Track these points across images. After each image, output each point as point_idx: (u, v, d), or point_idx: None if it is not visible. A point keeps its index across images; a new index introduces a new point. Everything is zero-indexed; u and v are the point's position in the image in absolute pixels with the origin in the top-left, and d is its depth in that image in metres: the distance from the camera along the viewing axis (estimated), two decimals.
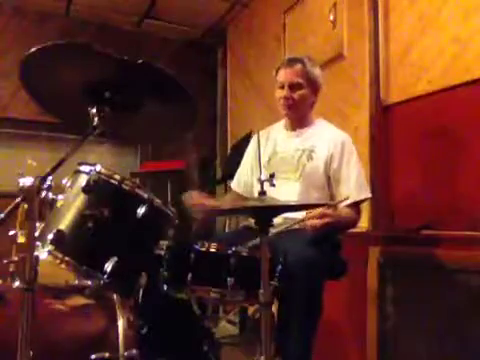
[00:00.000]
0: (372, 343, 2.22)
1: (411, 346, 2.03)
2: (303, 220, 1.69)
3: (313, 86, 1.96)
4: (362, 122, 2.48)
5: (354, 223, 1.91)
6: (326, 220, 1.65)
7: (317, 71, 1.97)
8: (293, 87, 1.92)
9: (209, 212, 1.99)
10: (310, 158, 1.93)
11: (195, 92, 1.35)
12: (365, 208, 2.12)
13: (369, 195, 1.91)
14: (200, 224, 2.01)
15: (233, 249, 1.43)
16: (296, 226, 1.72)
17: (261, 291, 1.25)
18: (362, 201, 1.91)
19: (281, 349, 1.62)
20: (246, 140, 3.07)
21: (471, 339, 1.78)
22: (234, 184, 2.22)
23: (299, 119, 2.02)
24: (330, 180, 1.91)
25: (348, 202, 1.83)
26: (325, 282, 1.68)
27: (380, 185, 2.39)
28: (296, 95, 1.93)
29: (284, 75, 1.95)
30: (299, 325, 1.59)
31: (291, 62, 1.94)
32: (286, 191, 1.81)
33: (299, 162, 1.94)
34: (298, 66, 1.92)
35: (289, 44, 3.20)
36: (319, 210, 1.67)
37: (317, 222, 1.65)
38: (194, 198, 1.92)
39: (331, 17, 2.73)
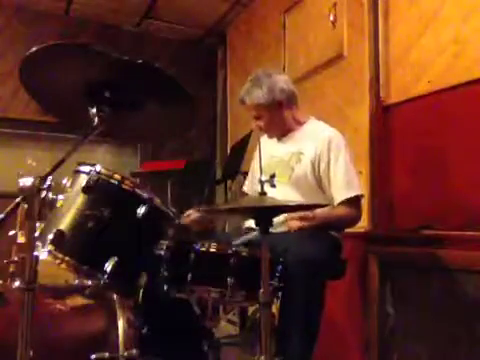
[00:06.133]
0: (372, 343, 2.22)
1: (411, 346, 2.03)
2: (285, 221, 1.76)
3: (274, 104, 1.91)
4: (362, 122, 2.48)
5: (353, 220, 1.89)
6: (305, 223, 1.73)
7: (267, 91, 1.88)
8: (257, 118, 1.96)
9: (210, 212, 1.99)
10: (298, 160, 1.92)
11: (195, 92, 1.35)
12: (365, 208, 2.11)
13: (358, 192, 1.87)
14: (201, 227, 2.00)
15: (233, 249, 1.43)
16: (280, 229, 1.76)
17: (261, 291, 1.25)
18: (354, 198, 1.86)
19: (282, 349, 1.62)
20: (246, 140, 3.07)
21: (471, 339, 1.78)
22: (247, 188, 2.26)
23: (282, 131, 2.02)
24: (322, 181, 1.90)
25: (338, 201, 1.84)
26: (326, 282, 1.68)
27: (380, 185, 2.39)
28: (262, 123, 1.96)
29: (247, 111, 1.99)
30: (301, 325, 1.59)
31: (241, 102, 1.96)
32: (278, 193, 1.80)
33: (288, 165, 1.94)
34: (246, 103, 1.94)
35: (289, 44, 3.20)
36: (299, 213, 1.73)
37: (296, 224, 1.73)
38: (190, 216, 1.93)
39: (331, 17, 2.73)
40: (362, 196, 1.92)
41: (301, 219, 1.73)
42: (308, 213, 1.74)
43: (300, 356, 1.61)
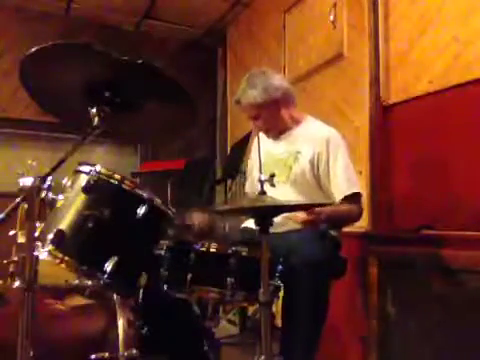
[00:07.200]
0: (372, 343, 2.22)
1: (411, 346, 2.03)
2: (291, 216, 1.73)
3: (271, 104, 1.89)
4: (362, 122, 2.48)
5: (355, 216, 1.89)
6: (314, 217, 1.68)
7: (263, 90, 1.86)
8: (255, 118, 1.94)
9: (210, 213, 1.99)
10: (296, 160, 1.92)
11: (195, 92, 1.35)
12: (365, 208, 2.11)
13: (357, 189, 1.87)
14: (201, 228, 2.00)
15: (233, 249, 1.43)
16: (285, 227, 1.74)
17: (261, 291, 1.25)
18: (354, 195, 1.86)
19: (285, 350, 1.62)
20: (246, 140, 3.07)
21: (471, 339, 1.78)
22: (248, 188, 2.24)
23: (279, 130, 2.01)
24: (322, 180, 1.90)
25: (339, 199, 1.84)
26: (330, 282, 1.69)
27: (380, 185, 2.39)
28: (261, 122, 1.95)
29: (243, 112, 1.98)
30: (305, 326, 1.60)
31: (237, 103, 1.94)
32: (277, 193, 1.80)
33: (286, 164, 1.94)
34: (242, 104, 1.92)
35: (289, 44, 3.20)
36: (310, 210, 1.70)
37: (304, 217, 1.68)
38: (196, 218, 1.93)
39: (331, 17, 2.73)
40: (361, 195, 1.92)
41: (309, 213, 1.69)
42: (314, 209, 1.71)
43: (304, 357, 1.61)
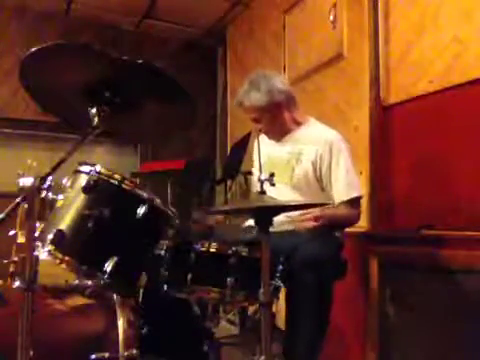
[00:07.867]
0: (372, 343, 2.22)
1: (411, 346, 2.03)
2: (294, 220, 1.73)
3: (274, 107, 1.90)
4: (362, 122, 2.48)
5: (353, 219, 1.90)
6: (319, 223, 1.69)
7: (266, 93, 1.85)
8: (257, 120, 1.95)
9: (211, 213, 2.00)
10: (299, 161, 1.92)
11: (195, 92, 1.35)
12: (365, 208, 2.11)
13: (357, 194, 1.88)
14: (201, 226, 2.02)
15: (233, 249, 1.43)
16: (288, 227, 1.74)
17: (261, 291, 1.25)
18: (354, 199, 1.87)
19: (288, 351, 1.62)
20: (246, 140, 3.07)
21: (471, 339, 1.78)
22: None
23: (281, 132, 2.01)
24: (324, 182, 1.90)
25: (339, 202, 1.84)
26: (333, 283, 1.69)
27: (380, 185, 2.39)
28: (263, 124, 1.95)
29: (245, 114, 1.98)
30: (309, 327, 1.60)
31: (239, 105, 1.94)
32: (279, 194, 1.79)
33: (288, 165, 1.94)
34: (245, 106, 1.91)
35: (289, 44, 3.20)
36: (313, 213, 1.70)
37: (309, 224, 1.69)
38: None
39: (331, 17, 2.73)
40: (362, 197, 1.92)
41: (314, 219, 1.70)
42: (316, 213, 1.71)
43: (309, 358, 1.61)
